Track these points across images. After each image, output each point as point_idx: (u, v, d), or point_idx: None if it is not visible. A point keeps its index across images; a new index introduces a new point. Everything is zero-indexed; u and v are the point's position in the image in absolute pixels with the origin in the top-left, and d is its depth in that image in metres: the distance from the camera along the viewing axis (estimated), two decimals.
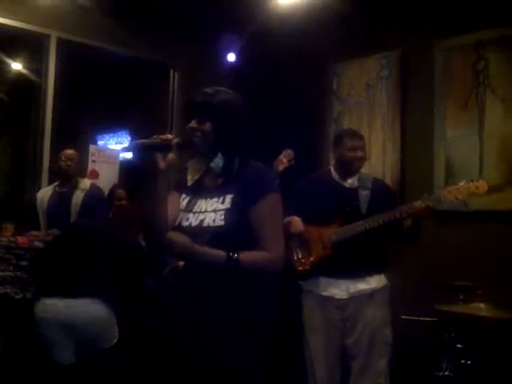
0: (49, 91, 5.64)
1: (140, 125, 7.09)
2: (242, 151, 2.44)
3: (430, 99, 5.21)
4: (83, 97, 6.67)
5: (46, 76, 5.65)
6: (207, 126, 2.37)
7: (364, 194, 3.64)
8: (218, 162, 2.39)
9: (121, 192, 5.33)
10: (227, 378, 2.29)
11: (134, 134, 7.39)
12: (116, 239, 4.16)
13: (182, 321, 2.39)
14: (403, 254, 4.69)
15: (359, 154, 3.70)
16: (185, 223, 2.39)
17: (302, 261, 3.66)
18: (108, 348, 3.88)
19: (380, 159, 5.51)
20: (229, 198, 2.34)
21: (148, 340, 4.31)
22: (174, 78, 6.48)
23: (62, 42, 5.67)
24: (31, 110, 5.93)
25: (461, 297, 3.82)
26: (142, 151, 2.33)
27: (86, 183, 5.33)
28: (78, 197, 5.19)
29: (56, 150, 5.51)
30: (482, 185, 3.49)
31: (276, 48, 5.92)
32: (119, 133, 7.50)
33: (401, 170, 5.37)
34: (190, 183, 2.49)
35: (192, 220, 2.38)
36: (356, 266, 3.55)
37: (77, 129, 6.56)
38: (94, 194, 5.22)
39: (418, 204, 3.43)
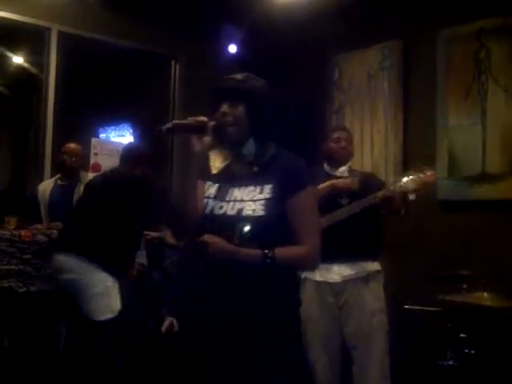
0: (50, 84, 5.64)
1: (142, 117, 7.08)
2: (275, 138, 2.37)
3: (432, 89, 5.20)
4: (84, 90, 6.65)
5: (48, 69, 5.66)
6: (239, 109, 2.29)
7: None
8: (250, 148, 2.33)
9: None
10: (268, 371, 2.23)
11: (136, 127, 7.38)
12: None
13: (214, 316, 2.29)
14: (406, 243, 4.71)
15: (343, 143, 3.81)
16: (218, 211, 2.30)
17: None
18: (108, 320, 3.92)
19: (382, 150, 5.50)
20: (268, 187, 2.26)
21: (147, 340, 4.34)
22: (175, 69, 6.48)
23: (62, 35, 5.68)
24: (33, 103, 5.94)
25: (464, 286, 3.82)
26: (179, 132, 2.31)
27: (88, 176, 5.33)
28: (80, 190, 5.18)
29: (58, 143, 5.52)
30: (431, 174, 3.57)
31: (277, 39, 5.90)
32: (121, 125, 7.49)
33: (403, 161, 5.36)
34: (215, 171, 2.40)
35: (227, 209, 2.29)
36: (348, 251, 3.58)
37: (78, 122, 6.55)
38: None
39: (381, 193, 3.51)
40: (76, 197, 5.11)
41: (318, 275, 3.64)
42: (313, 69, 6.03)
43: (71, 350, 3.94)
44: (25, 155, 6.76)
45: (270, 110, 2.36)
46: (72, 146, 5.23)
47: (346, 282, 3.61)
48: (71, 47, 5.75)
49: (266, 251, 2.18)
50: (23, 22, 5.47)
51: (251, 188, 2.29)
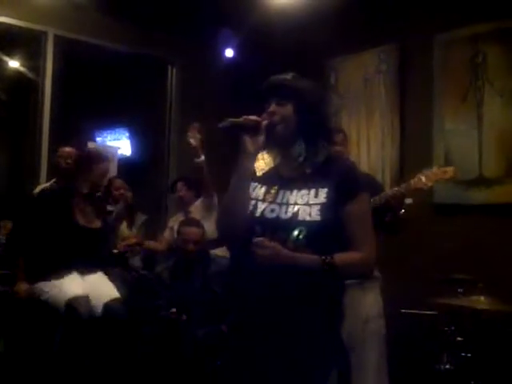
0: (46, 88, 5.64)
1: (138, 121, 7.09)
2: (326, 140, 2.29)
3: (429, 93, 5.21)
4: (81, 94, 6.65)
5: (44, 73, 5.65)
6: (288, 108, 2.22)
7: None
8: (300, 149, 2.25)
9: (118, 181, 5.39)
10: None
11: (132, 131, 7.38)
12: None
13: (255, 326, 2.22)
14: (402, 247, 4.71)
15: (337, 148, 3.72)
16: (270, 215, 2.20)
17: None
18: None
19: (379, 154, 5.51)
20: (323, 192, 2.19)
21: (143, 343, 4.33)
22: (171, 74, 6.48)
23: (59, 40, 5.67)
24: (29, 107, 5.92)
25: (460, 290, 3.82)
26: (233, 131, 2.20)
27: None
28: None
29: (54, 147, 5.50)
30: (450, 170, 3.57)
31: (274, 43, 5.91)
32: (117, 130, 7.49)
33: (400, 165, 5.36)
34: (261, 172, 2.32)
35: (280, 212, 2.19)
36: None
37: (74, 126, 6.54)
38: None
39: (390, 191, 3.51)
40: None
41: None
42: (309, 73, 5.98)
43: (65, 354, 3.91)
44: (21, 159, 6.74)
45: (320, 110, 2.29)
46: (67, 149, 5.20)
47: None
48: (68, 51, 5.75)
49: (324, 257, 2.11)
50: (19, 27, 5.46)
51: (305, 191, 2.21)
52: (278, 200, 2.23)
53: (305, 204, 2.18)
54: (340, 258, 2.14)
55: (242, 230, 2.20)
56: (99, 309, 4.05)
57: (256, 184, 2.29)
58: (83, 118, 6.67)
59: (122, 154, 6.61)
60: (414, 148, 5.32)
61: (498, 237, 4.58)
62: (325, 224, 2.14)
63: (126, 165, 6.39)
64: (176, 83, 6.43)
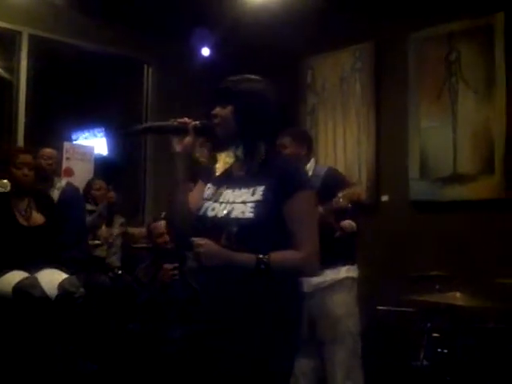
0: (21, 88, 5.59)
1: (115, 121, 7.04)
2: (268, 139, 2.33)
3: (404, 91, 5.25)
4: (56, 94, 6.59)
5: (18, 73, 5.60)
6: (228, 109, 2.27)
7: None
8: (239, 150, 2.31)
9: (99, 182, 5.38)
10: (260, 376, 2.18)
11: (109, 131, 7.33)
12: None
13: (211, 323, 2.26)
14: (378, 244, 4.74)
15: (287, 150, 3.74)
16: (210, 213, 2.26)
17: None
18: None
19: (355, 151, 5.53)
20: (259, 189, 2.22)
21: (129, 340, 4.33)
22: (147, 73, 6.46)
23: (33, 39, 5.62)
24: (4, 107, 5.86)
25: (437, 286, 3.85)
26: (155, 134, 2.33)
27: (61, 182, 5.29)
28: (53, 196, 5.13)
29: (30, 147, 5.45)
30: (359, 192, 3.63)
31: (250, 42, 5.90)
32: (94, 129, 7.44)
33: (376, 162, 5.39)
34: (218, 173, 2.39)
35: (218, 210, 2.25)
36: None
37: (50, 126, 6.49)
38: (70, 193, 5.18)
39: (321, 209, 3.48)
40: None
41: None
42: (286, 71, 6.04)
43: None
44: None
45: (259, 112, 2.30)
46: (48, 150, 5.17)
47: (313, 292, 3.59)
48: (42, 51, 5.70)
49: (261, 256, 2.12)
50: None
51: (244, 190, 2.26)
52: (221, 199, 2.29)
53: (241, 202, 2.22)
54: (277, 256, 2.15)
55: (184, 228, 2.29)
56: (54, 292, 3.89)
57: (209, 185, 2.37)
58: (59, 118, 6.62)
59: (98, 154, 6.55)
60: (389, 145, 5.35)
61: (474, 233, 4.62)
62: (257, 221, 2.16)
63: (102, 164, 6.35)
64: (152, 82, 6.42)
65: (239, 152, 2.31)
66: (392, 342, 4.14)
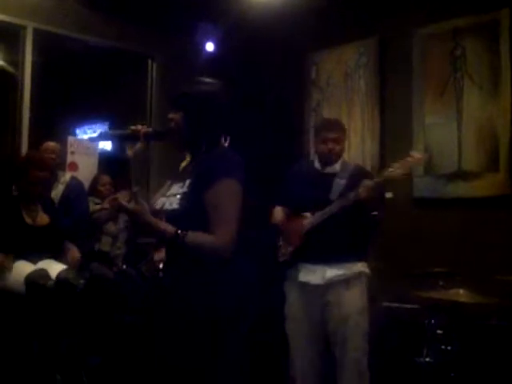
0: (26, 83, 5.57)
1: (119, 115, 7.03)
2: (209, 138, 2.49)
3: (408, 86, 5.23)
4: (61, 88, 6.60)
5: (23, 68, 5.58)
6: (179, 114, 2.48)
7: (339, 183, 3.67)
8: (190, 146, 2.55)
9: (105, 178, 5.39)
10: (175, 366, 2.33)
11: (113, 125, 7.33)
12: None
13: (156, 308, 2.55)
14: (381, 241, 4.73)
15: (330, 145, 3.73)
16: (158, 207, 2.49)
17: (283, 251, 3.73)
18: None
19: (359, 147, 5.53)
20: (187, 182, 2.42)
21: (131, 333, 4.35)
22: (152, 68, 6.44)
23: (38, 33, 5.60)
24: (8, 102, 5.86)
25: (440, 283, 3.85)
26: (111, 140, 2.53)
27: (66, 176, 5.30)
28: (58, 190, 5.14)
29: (34, 142, 5.46)
30: (417, 155, 3.64)
31: (254, 37, 5.90)
32: (98, 124, 7.44)
33: (380, 158, 5.39)
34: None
35: (159, 204, 2.49)
36: (331, 253, 3.58)
37: (55, 120, 6.49)
38: (74, 188, 5.18)
39: (366, 182, 3.48)
40: (53, 196, 5.07)
41: (302, 276, 3.67)
42: (290, 67, 6.04)
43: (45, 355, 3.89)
44: (0, 154, 6.68)
45: (210, 117, 2.49)
46: (51, 144, 5.19)
47: (327, 284, 3.61)
48: (47, 45, 5.69)
49: (180, 231, 2.30)
50: None
51: (179, 184, 2.46)
52: (168, 193, 2.50)
53: (172, 195, 2.45)
54: (193, 236, 2.33)
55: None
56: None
57: (168, 181, 2.60)
58: (63, 113, 6.62)
59: (102, 149, 6.55)
60: (393, 141, 5.34)
61: (478, 230, 4.62)
62: (182, 211, 2.37)
63: (106, 159, 6.35)
64: (156, 77, 6.41)
65: (188, 151, 2.56)
66: (395, 339, 4.14)
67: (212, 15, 5.75)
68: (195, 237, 2.32)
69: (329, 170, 3.77)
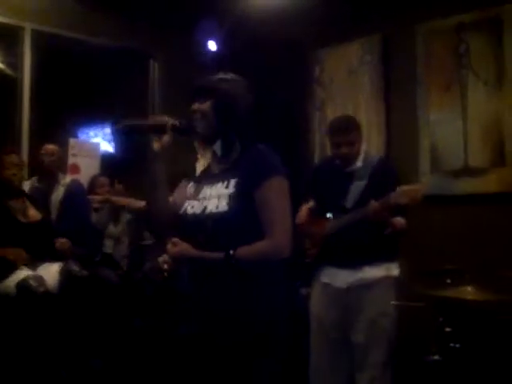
0: (25, 84, 5.54)
1: (120, 116, 6.98)
2: (244, 134, 2.37)
3: (413, 83, 5.21)
4: (61, 89, 6.56)
5: (22, 69, 5.55)
6: (207, 105, 2.33)
7: (358, 186, 3.61)
8: (218, 145, 2.35)
9: (102, 179, 5.35)
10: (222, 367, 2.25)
11: (112, 128, 7.26)
12: None
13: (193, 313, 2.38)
14: None
15: (343, 150, 3.63)
16: (190, 211, 2.34)
17: (308, 252, 3.72)
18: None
19: (365, 145, 5.45)
20: (233, 182, 2.27)
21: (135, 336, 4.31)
22: (153, 67, 6.42)
23: (36, 34, 5.56)
24: (7, 104, 5.82)
25: (448, 280, 3.79)
26: (133, 133, 2.37)
27: (66, 179, 5.26)
28: (58, 192, 5.11)
29: (34, 144, 5.42)
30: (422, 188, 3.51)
31: (257, 36, 5.86)
32: (99, 125, 7.40)
33: (386, 156, 5.33)
34: (198, 171, 2.47)
35: (196, 208, 2.32)
36: (354, 257, 3.55)
37: (55, 122, 6.45)
38: (74, 190, 5.16)
39: (372, 205, 3.40)
40: (53, 198, 5.04)
41: (325, 277, 3.66)
42: (294, 65, 6.00)
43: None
44: None
45: (240, 107, 2.35)
46: (50, 146, 5.16)
47: (349, 288, 3.59)
48: (46, 46, 5.65)
49: (230, 252, 2.18)
50: None
51: (220, 185, 2.30)
52: (200, 196, 2.35)
53: (216, 197, 2.27)
54: (244, 250, 2.20)
55: (167, 227, 2.42)
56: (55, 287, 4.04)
57: (191, 183, 2.45)
58: (64, 114, 6.58)
59: (104, 151, 6.51)
60: (399, 138, 5.32)
61: (485, 226, 4.58)
62: (232, 213, 2.22)
63: (109, 161, 6.31)
64: (158, 76, 6.38)
65: (217, 148, 2.35)
66: (404, 337, 4.09)
67: (214, 14, 5.71)
68: (246, 250, 2.21)
69: (350, 168, 3.69)
